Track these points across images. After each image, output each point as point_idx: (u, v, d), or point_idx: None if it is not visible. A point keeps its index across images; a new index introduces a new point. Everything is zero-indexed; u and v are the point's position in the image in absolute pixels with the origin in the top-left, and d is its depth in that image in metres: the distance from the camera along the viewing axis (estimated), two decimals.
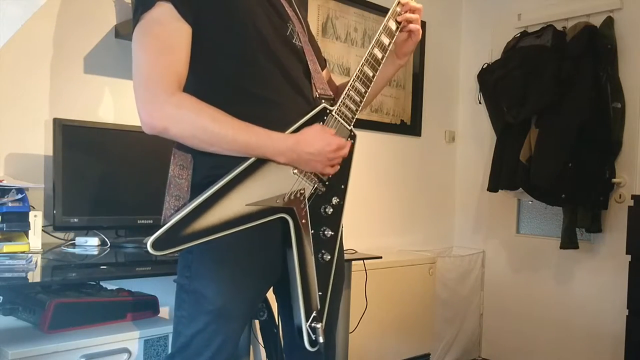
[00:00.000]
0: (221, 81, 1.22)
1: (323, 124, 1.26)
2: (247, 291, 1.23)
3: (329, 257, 1.28)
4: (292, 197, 1.21)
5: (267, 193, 1.18)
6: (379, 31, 1.37)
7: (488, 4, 3.50)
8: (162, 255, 1.08)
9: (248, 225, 1.15)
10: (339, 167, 1.27)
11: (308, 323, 1.24)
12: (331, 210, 1.28)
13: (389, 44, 1.38)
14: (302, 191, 1.23)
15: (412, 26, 1.41)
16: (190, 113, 1.13)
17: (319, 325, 1.24)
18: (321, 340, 1.23)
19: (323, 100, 1.30)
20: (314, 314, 1.25)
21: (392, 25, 1.39)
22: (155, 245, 1.07)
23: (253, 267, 1.22)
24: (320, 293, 1.26)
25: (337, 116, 1.28)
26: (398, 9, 1.40)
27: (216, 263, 1.19)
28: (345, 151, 1.27)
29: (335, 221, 1.30)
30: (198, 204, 1.10)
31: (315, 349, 1.25)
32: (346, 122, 1.30)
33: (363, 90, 1.33)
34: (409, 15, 1.40)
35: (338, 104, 1.29)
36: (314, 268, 1.25)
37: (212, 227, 1.11)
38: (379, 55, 1.36)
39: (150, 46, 1.15)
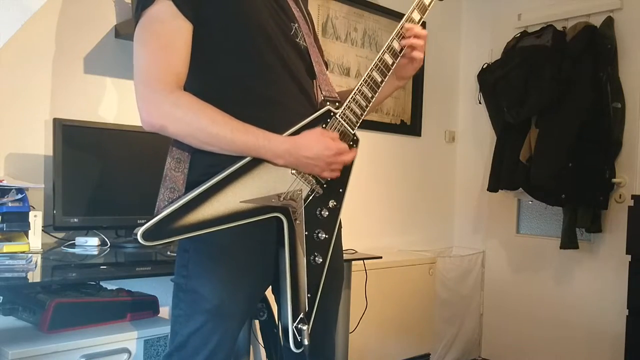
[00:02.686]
0: (223, 80, 1.22)
1: (326, 126, 1.26)
2: (244, 290, 1.22)
3: (321, 260, 1.26)
4: (289, 197, 1.21)
5: (263, 191, 1.17)
6: (392, 37, 1.36)
7: (488, 4, 3.50)
8: (152, 246, 1.08)
9: (241, 222, 1.15)
10: (339, 173, 1.26)
11: (294, 324, 1.23)
12: (327, 213, 1.27)
13: (401, 50, 1.37)
14: (299, 192, 1.22)
15: (415, 54, 1.39)
16: (189, 113, 1.13)
17: (305, 327, 1.23)
18: (306, 342, 1.22)
19: (328, 103, 1.29)
20: (301, 315, 1.24)
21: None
22: (145, 236, 1.07)
23: (250, 266, 1.22)
24: (309, 295, 1.25)
25: (340, 119, 1.28)
26: (411, 18, 1.39)
27: (213, 262, 1.19)
28: (347, 158, 1.26)
29: (330, 224, 1.28)
30: (192, 198, 1.10)
31: (300, 350, 1.23)
32: (350, 126, 1.29)
33: (370, 95, 1.32)
34: (413, 40, 1.37)
35: (343, 107, 1.28)
36: (305, 270, 1.24)
37: (204, 221, 1.11)
38: (390, 61, 1.35)
39: (150, 44, 1.15)
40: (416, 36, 1.38)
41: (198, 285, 1.19)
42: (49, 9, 1.96)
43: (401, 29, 1.38)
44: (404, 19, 1.39)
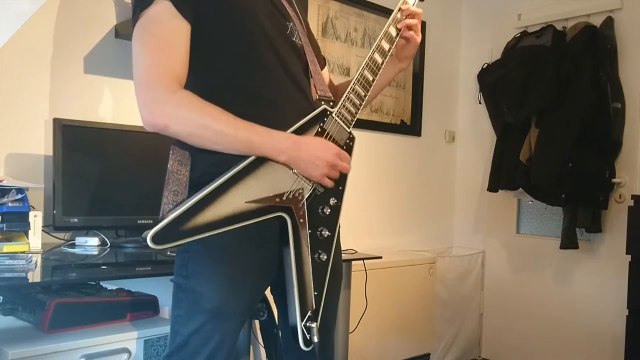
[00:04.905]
0: (222, 79, 1.22)
1: (323, 125, 1.27)
2: (244, 290, 1.23)
3: (325, 257, 1.28)
4: (291, 196, 1.21)
5: (267, 191, 1.18)
6: (380, 37, 1.39)
7: (488, 4, 3.50)
8: (162, 249, 1.08)
9: (248, 222, 1.15)
10: (336, 177, 1.26)
11: (303, 322, 1.23)
12: (329, 210, 1.28)
13: (389, 49, 1.41)
14: (300, 191, 1.23)
15: (407, 33, 1.43)
16: (191, 111, 1.13)
17: (313, 325, 1.23)
18: (315, 339, 1.23)
19: (323, 102, 1.30)
20: (309, 313, 1.24)
21: (393, 31, 1.42)
22: (155, 239, 1.06)
23: (250, 266, 1.22)
24: (315, 293, 1.26)
25: (337, 118, 1.29)
26: (398, 16, 1.43)
27: (213, 262, 1.19)
28: (345, 166, 1.27)
29: (332, 222, 1.30)
30: (199, 199, 1.10)
31: (310, 348, 1.24)
32: (345, 124, 1.31)
33: (363, 94, 1.34)
34: (408, 21, 1.42)
35: (338, 106, 1.30)
36: (311, 268, 1.24)
37: (212, 222, 1.11)
38: (379, 60, 1.38)
39: (150, 44, 1.15)
40: (411, 16, 1.42)
41: (198, 285, 1.19)
42: (49, 9, 1.96)
43: (388, 27, 1.40)
44: (390, 19, 1.42)
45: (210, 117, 1.14)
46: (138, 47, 1.16)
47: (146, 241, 1.06)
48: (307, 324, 1.24)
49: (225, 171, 1.14)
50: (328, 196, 1.28)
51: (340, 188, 1.31)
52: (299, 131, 1.23)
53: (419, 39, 1.45)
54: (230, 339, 1.22)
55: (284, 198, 1.20)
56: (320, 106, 1.28)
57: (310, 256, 1.24)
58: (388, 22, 1.41)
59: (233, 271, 1.20)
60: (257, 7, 1.25)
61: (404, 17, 1.42)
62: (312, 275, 1.25)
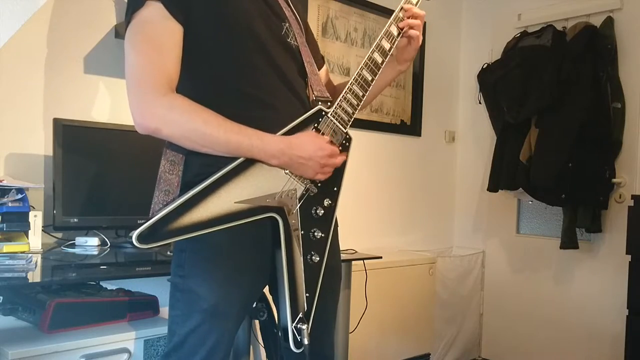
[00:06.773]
0: (214, 81, 1.22)
1: (318, 125, 1.26)
2: (241, 290, 1.23)
3: (318, 258, 1.27)
4: (283, 197, 1.21)
5: (258, 192, 1.17)
6: (380, 35, 1.37)
7: (488, 4, 3.50)
8: (147, 248, 1.09)
9: (236, 223, 1.15)
10: (330, 174, 1.27)
11: (294, 324, 1.23)
12: (322, 212, 1.27)
13: (390, 48, 1.38)
14: (293, 191, 1.22)
15: (411, 32, 1.41)
16: (182, 114, 1.13)
17: (304, 327, 1.23)
18: (306, 341, 1.22)
19: (319, 103, 1.29)
20: (300, 314, 1.24)
21: (394, 30, 1.39)
22: (140, 238, 1.07)
23: (246, 266, 1.22)
24: (307, 294, 1.25)
25: (332, 119, 1.28)
26: (400, 15, 1.40)
27: (209, 261, 1.19)
28: (338, 161, 1.27)
29: (325, 223, 1.29)
30: (186, 200, 1.10)
31: (300, 350, 1.24)
32: (342, 124, 1.30)
33: (361, 94, 1.33)
34: (410, 21, 1.40)
35: (334, 107, 1.29)
36: (302, 269, 1.24)
37: (198, 223, 1.11)
38: (379, 59, 1.36)
39: (141, 46, 1.15)
40: (413, 16, 1.40)
41: (195, 285, 1.19)
42: (49, 9, 1.96)
43: (389, 27, 1.39)
44: (391, 18, 1.40)
45: (200, 120, 1.13)
46: (130, 49, 1.16)
47: (132, 240, 1.07)
48: (298, 326, 1.23)
49: (217, 171, 1.14)
50: (322, 197, 1.28)
51: (335, 189, 1.30)
52: (292, 131, 1.22)
53: (420, 39, 1.43)
54: (227, 339, 1.22)
55: (276, 199, 1.20)
56: (316, 106, 1.27)
57: (302, 257, 1.24)
58: (389, 21, 1.39)
59: (229, 270, 1.20)
60: (249, 9, 1.24)
61: (406, 17, 1.40)
62: (305, 277, 1.24)
